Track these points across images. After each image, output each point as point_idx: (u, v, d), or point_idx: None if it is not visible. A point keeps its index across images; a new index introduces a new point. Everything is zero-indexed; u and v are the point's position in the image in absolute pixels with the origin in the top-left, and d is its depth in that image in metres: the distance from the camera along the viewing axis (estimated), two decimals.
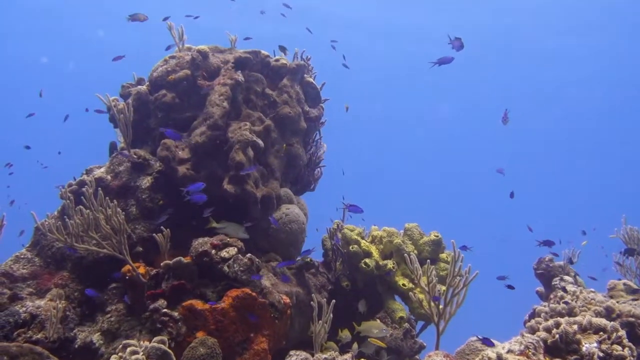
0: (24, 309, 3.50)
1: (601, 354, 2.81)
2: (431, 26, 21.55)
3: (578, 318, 3.07)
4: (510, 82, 26.98)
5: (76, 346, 3.59)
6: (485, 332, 4.07)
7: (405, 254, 3.99)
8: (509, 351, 2.86)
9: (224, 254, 3.79)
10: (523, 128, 30.78)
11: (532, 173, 33.50)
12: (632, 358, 2.86)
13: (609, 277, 4.80)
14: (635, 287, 4.55)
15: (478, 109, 30.96)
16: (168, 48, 5.10)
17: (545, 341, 2.92)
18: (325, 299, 4.37)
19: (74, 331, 3.67)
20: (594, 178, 32.45)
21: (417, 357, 5.00)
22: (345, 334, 4.09)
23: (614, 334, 2.89)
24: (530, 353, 2.80)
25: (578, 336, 2.87)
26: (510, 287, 4.64)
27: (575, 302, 4.14)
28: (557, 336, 2.86)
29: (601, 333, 2.94)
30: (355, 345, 4.12)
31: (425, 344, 5.00)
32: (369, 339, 4.35)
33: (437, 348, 3.54)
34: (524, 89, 27.56)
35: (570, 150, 32.29)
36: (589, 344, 2.84)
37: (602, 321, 2.99)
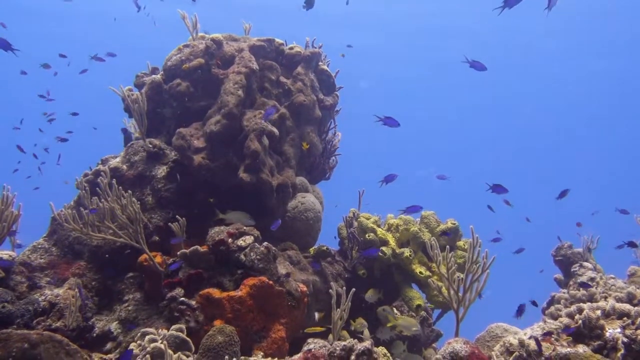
0: (43, 297, 3.51)
1: (625, 340, 2.76)
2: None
3: (601, 303, 3.03)
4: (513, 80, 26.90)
5: (94, 335, 3.60)
6: (503, 320, 4.05)
7: (426, 240, 3.95)
8: (532, 337, 2.83)
9: (240, 242, 3.78)
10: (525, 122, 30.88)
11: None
12: None
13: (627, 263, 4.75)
14: None
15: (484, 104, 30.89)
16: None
17: (567, 327, 2.88)
18: (342, 288, 4.36)
19: (92, 320, 3.68)
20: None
21: (434, 345, 4.98)
22: (360, 323, 4.08)
23: (639, 319, 2.85)
24: (553, 339, 2.76)
25: (601, 322, 2.83)
26: (534, 303, 4.59)
27: (596, 288, 4.09)
28: (580, 322, 2.82)
29: (625, 318, 2.90)
30: (366, 332, 4.10)
31: (442, 332, 4.98)
32: (382, 326, 4.34)
33: (456, 335, 3.50)
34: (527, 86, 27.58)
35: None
36: (612, 330, 2.80)
37: (626, 306, 2.95)
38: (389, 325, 4.04)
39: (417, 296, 4.62)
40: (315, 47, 5.21)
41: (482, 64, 4.29)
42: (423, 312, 4.79)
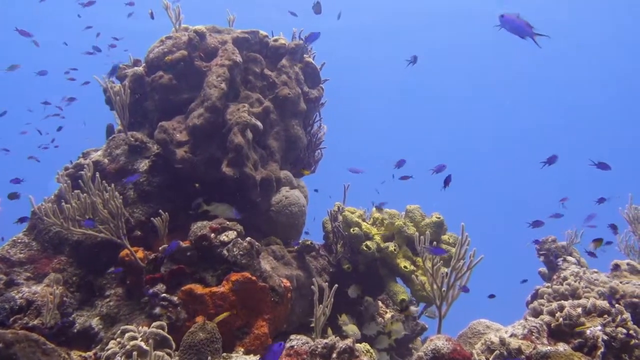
0: (20, 294, 3.46)
1: (605, 337, 2.77)
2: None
3: (582, 301, 3.03)
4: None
5: (75, 331, 3.56)
6: (488, 313, 4.05)
7: (415, 235, 3.93)
8: (512, 335, 2.82)
9: (223, 237, 3.75)
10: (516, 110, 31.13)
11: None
12: (636, 341, 2.82)
13: (611, 257, 4.76)
14: (639, 267, 4.50)
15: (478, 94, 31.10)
16: None
17: (548, 325, 2.88)
18: (326, 282, 4.34)
19: (73, 316, 3.64)
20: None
21: (418, 338, 4.99)
22: (344, 319, 4.07)
23: (619, 317, 2.85)
24: (533, 337, 2.76)
25: (582, 319, 2.83)
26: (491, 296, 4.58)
27: (579, 283, 4.10)
28: (560, 320, 2.82)
29: (605, 316, 2.90)
30: (353, 328, 4.09)
31: (427, 326, 4.99)
32: (370, 323, 4.34)
33: (439, 331, 3.50)
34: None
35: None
36: (593, 327, 2.81)
37: (607, 304, 2.95)
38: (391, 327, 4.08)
39: (401, 290, 4.62)
40: (301, 39, 5.16)
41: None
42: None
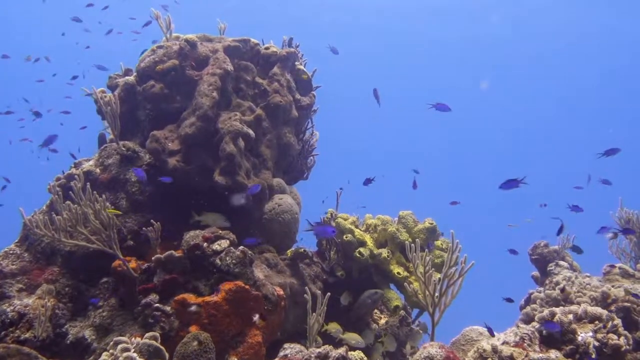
0: (12, 307, 3.44)
1: (597, 343, 2.79)
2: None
3: (573, 307, 3.05)
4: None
5: (68, 342, 3.55)
6: (481, 317, 4.06)
7: (406, 243, 3.94)
8: (504, 342, 2.83)
9: (216, 246, 3.74)
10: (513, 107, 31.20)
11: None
12: (627, 347, 2.84)
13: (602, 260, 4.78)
14: (631, 271, 4.53)
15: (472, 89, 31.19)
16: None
17: (540, 332, 2.89)
18: (320, 290, 4.34)
19: (66, 327, 3.62)
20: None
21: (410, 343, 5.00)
22: (334, 327, 4.07)
23: (610, 323, 2.87)
24: (525, 344, 2.77)
25: (573, 326, 2.85)
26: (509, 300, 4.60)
27: (571, 287, 4.12)
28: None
29: (597, 322, 2.92)
30: (355, 336, 4.10)
31: (420, 331, 5.00)
32: (366, 330, 4.35)
33: (432, 339, 3.51)
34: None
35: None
36: (584, 334, 2.82)
37: (598, 310, 2.97)
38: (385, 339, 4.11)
39: (395, 297, 4.63)
40: (292, 47, 5.17)
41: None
42: (402, 311, 4.80)
